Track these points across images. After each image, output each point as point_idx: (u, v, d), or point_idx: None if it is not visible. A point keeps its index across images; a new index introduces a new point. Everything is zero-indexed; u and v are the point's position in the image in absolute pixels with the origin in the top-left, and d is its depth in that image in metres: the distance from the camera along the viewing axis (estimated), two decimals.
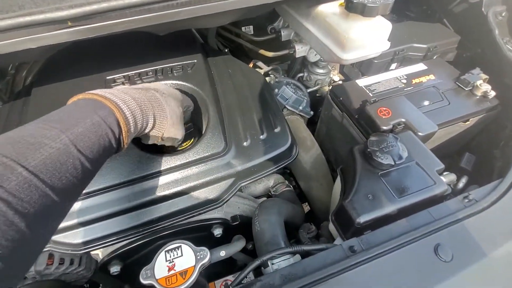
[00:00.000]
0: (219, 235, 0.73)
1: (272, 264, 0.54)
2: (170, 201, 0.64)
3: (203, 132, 0.73)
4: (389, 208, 0.57)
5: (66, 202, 0.38)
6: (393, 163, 0.61)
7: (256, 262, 0.51)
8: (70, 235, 0.60)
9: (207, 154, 0.66)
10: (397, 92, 0.91)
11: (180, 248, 0.46)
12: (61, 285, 0.76)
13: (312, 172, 0.88)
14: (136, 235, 0.63)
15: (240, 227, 0.75)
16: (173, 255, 0.46)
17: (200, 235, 0.74)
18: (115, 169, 0.62)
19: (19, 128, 0.39)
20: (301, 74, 1.22)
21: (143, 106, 0.50)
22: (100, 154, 0.42)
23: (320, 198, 0.89)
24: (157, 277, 0.43)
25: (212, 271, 0.89)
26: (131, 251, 0.69)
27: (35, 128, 0.38)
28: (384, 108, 0.82)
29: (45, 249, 0.61)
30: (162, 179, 0.63)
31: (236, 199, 0.78)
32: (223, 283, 0.75)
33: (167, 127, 0.55)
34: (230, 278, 0.78)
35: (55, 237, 0.60)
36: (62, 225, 0.59)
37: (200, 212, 0.66)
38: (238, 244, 0.55)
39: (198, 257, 0.45)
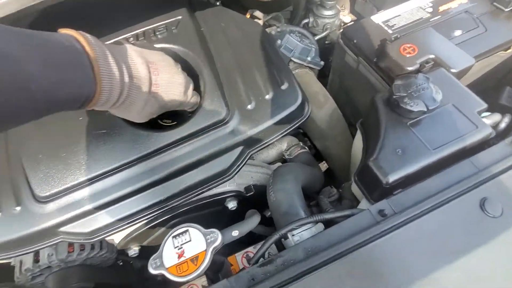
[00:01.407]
0: (234, 208, 0.69)
1: (293, 235, 0.49)
2: (177, 178, 0.59)
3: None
4: (423, 162, 0.50)
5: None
6: (425, 109, 0.51)
7: (275, 236, 0.46)
8: (80, 224, 0.57)
9: (208, 123, 0.59)
10: (422, 25, 0.77)
11: (187, 233, 0.42)
12: (88, 269, 0.77)
13: (328, 130, 0.80)
14: (147, 217, 0.60)
15: (255, 197, 0.71)
16: (181, 241, 0.42)
17: (214, 210, 0.71)
18: (111, 152, 0.57)
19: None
20: (306, 21, 1.08)
21: (123, 92, 0.47)
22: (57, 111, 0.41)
23: (339, 157, 0.82)
24: (167, 265, 0.40)
25: (231, 244, 0.88)
26: (145, 233, 0.67)
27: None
28: (408, 45, 0.69)
29: (57, 240, 0.59)
30: (164, 157, 0.58)
31: (247, 168, 0.73)
32: (245, 255, 0.74)
33: (130, 117, 0.54)
34: (251, 249, 0.76)
35: (65, 228, 0.57)
36: (71, 214, 0.56)
37: (210, 187, 0.61)
38: (252, 221, 0.51)
39: (209, 240, 0.41)
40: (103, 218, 0.58)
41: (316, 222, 0.48)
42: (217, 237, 0.41)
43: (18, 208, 0.57)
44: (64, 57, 0.39)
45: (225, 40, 0.68)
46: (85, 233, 0.58)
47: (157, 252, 0.42)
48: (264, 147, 0.64)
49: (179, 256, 0.40)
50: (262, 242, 0.47)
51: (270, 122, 0.61)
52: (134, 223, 0.60)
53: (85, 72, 0.41)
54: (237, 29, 0.71)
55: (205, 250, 0.40)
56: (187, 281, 0.39)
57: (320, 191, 0.71)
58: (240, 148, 0.61)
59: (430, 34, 0.72)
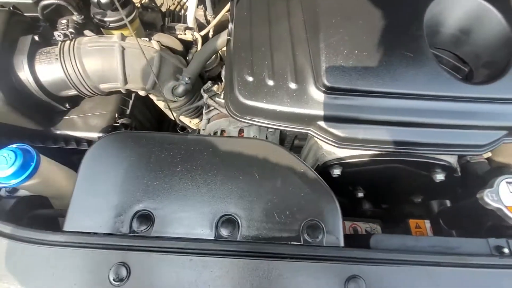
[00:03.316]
0: (440, 180, 0.70)
1: None
2: (441, 130, 0.59)
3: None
4: None
5: None
6: None
7: None
8: (339, 127, 0.59)
9: (498, 96, 0.58)
10: None
11: None
12: None
13: None
14: (387, 150, 0.62)
15: (453, 182, 0.71)
16: None
17: (419, 172, 0.72)
18: (409, 77, 0.57)
19: None
20: None
21: None
22: None
23: None
24: (506, 204, 0.41)
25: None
26: (355, 163, 0.69)
27: None
28: None
29: (306, 131, 0.61)
30: (449, 105, 0.58)
31: None
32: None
33: None
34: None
35: (324, 124, 0.59)
36: (339, 114, 0.58)
37: (459, 152, 0.62)
38: None
39: None
40: (362, 132, 0.59)
41: None
42: None
43: (294, 86, 0.59)
44: None
45: None
46: (338, 137, 0.59)
47: (489, 188, 0.43)
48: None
49: None
50: None
51: None
52: (374, 149, 0.62)
53: None
54: None
55: None
56: None
57: None
58: (504, 132, 0.60)
59: None
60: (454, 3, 0.62)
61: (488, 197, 0.43)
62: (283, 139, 0.86)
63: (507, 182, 0.44)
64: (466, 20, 0.64)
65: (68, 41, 0.77)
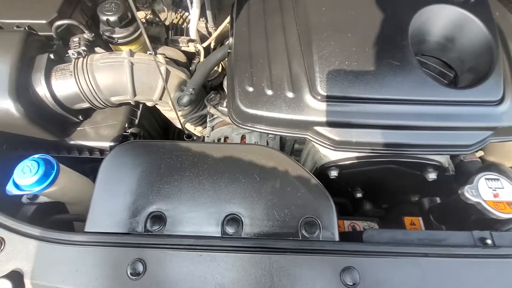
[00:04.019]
0: (432, 179, 0.74)
1: None
2: (424, 132, 0.64)
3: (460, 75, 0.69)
4: None
5: None
6: None
7: None
8: (335, 132, 0.63)
9: (482, 98, 0.62)
10: None
11: (499, 181, 0.47)
12: None
13: None
14: (380, 152, 0.66)
15: (445, 181, 0.75)
16: (494, 185, 0.47)
17: (412, 172, 0.76)
18: (397, 84, 0.61)
19: None
20: None
21: None
22: None
23: None
24: (485, 198, 0.45)
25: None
26: (350, 165, 0.74)
27: None
28: None
29: (303, 135, 0.66)
30: (430, 108, 0.62)
31: None
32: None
33: None
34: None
35: (320, 129, 0.64)
36: (334, 119, 0.62)
37: (447, 152, 0.66)
38: None
39: None
40: (356, 136, 0.64)
41: None
42: None
43: (291, 94, 0.64)
44: None
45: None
46: (333, 141, 0.64)
47: (469, 185, 0.47)
48: (501, 142, 0.67)
49: (495, 196, 0.46)
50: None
51: None
52: (369, 151, 0.66)
53: None
54: None
55: None
56: (506, 218, 0.45)
57: None
58: (488, 133, 0.65)
59: None
60: (436, 14, 0.67)
61: (468, 193, 0.47)
62: (283, 143, 0.91)
63: (485, 179, 0.48)
64: (450, 29, 0.68)
65: (81, 58, 0.83)
